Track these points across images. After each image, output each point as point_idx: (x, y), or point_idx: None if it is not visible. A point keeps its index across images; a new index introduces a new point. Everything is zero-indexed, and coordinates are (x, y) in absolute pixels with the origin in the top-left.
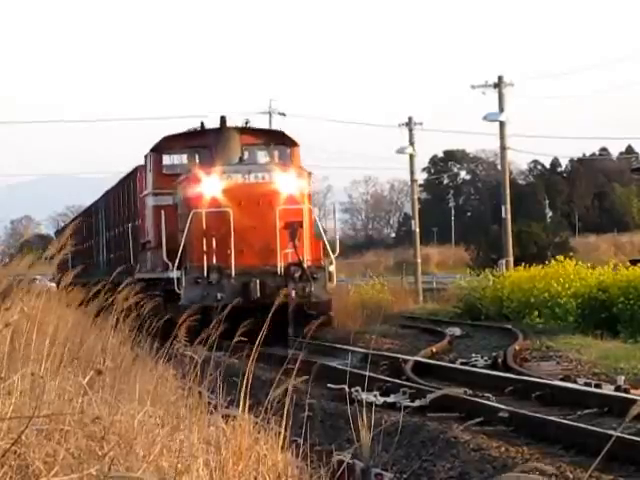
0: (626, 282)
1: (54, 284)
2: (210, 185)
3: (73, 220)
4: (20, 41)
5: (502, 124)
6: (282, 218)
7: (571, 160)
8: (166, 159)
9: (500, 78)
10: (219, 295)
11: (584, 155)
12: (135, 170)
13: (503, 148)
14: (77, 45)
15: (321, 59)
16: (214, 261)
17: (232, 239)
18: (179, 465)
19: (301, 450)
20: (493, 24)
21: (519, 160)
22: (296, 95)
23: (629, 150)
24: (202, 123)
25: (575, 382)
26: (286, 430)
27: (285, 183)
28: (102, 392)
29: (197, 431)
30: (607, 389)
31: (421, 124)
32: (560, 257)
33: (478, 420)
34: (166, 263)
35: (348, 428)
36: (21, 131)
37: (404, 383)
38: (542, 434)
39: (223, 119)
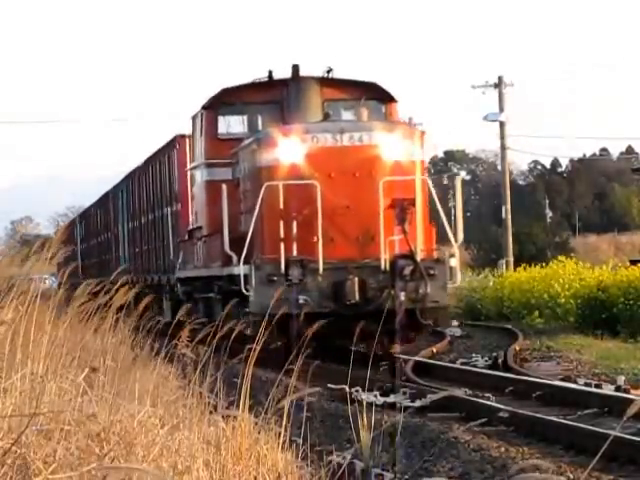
0: (626, 282)
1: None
2: (289, 149)
3: (83, 213)
4: (20, 41)
5: (502, 124)
6: (387, 194)
7: (571, 160)
8: (221, 121)
9: (500, 78)
10: (302, 298)
11: (584, 155)
12: (173, 141)
13: (503, 148)
14: (77, 45)
15: (320, 59)
16: (295, 252)
17: (319, 222)
18: (179, 465)
19: (301, 450)
20: (493, 24)
21: (519, 160)
22: None
23: (629, 150)
24: (270, 72)
25: (575, 382)
26: (286, 430)
27: (391, 146)
28: (102, 392)
29: (197, 431)
30: (607, 389)
31: (421, 124)
32: (561, 257)
33: (481, 421)
34: (228, 255)
35: (348, 428)
36: (21, 131)
37: (404, 383)
38: (542, 434)
39: (296, 68)
